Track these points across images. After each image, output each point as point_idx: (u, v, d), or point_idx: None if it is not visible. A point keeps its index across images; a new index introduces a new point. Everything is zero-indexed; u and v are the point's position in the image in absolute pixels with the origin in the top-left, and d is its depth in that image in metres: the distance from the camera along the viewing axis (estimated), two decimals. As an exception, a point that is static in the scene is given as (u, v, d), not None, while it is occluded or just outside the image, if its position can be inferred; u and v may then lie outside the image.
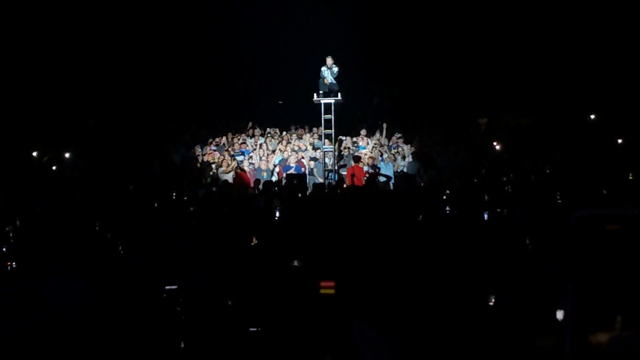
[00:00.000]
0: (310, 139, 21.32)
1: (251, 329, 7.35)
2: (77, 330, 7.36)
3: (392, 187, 17.94)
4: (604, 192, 12.66)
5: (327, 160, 19.43)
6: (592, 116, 21.21)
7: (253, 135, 21.74)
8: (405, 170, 18.69)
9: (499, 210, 11.87)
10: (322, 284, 7.18)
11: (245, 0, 24.88)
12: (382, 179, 17.83)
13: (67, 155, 18.32)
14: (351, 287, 7.39)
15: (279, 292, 7.87)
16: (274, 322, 7.41)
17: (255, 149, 20.39)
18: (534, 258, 8.77)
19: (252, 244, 9.68)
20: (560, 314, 6.79)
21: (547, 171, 16.43)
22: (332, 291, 7.15)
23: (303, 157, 19.62)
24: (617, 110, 20.45)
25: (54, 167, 17.50)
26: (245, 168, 18.63)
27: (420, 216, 11.23)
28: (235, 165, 18.89)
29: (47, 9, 22.19)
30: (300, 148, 20.48)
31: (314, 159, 19.76)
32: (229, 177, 18.15)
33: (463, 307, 7.53)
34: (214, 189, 15.50)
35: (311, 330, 7.05)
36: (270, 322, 7.41)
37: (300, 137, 21.66)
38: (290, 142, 20.94)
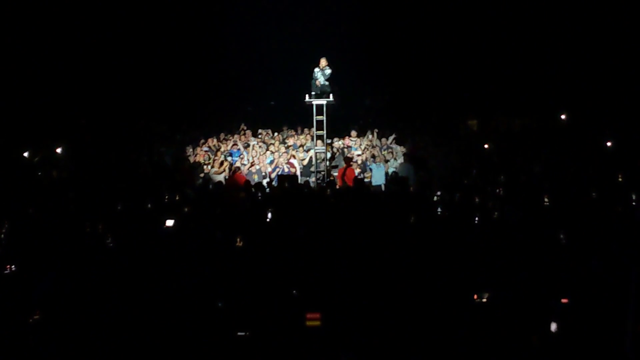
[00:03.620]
0: (302, 139, 21.32)
1: (239, 333, 7.34)
2: (66, 328, 7.38)
3: (383, 189, 18.02)
4: (593, 194, 12.72)
5: (318, 161, 19.48)
6: (582, 118, 21.25)
7: (241, 135, 21.76)
8: (396, 171, 18.70)
9: (490, 212, 11.89)
10: (309, 315, 7.13)
11: (238, 1, 24.85)
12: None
13: (58, 150, 18.23)
14: (338, 317, 7.38)
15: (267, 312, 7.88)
16: (263, 329, 7.40)
17: (245, 149, 20.44)
18: (526, 261, 8.81)
19: (239, 245, 9.66)
20: (554, 327, 6.85)
21: (537, 172, 16.48)
22: (318, 323, 7.10)
23: (294, 157, 19.65)
24: (607, 112, 20.51)
25: (45, 168, 17.40)
26: (244, 170, 18.66)
27: (412, 218, 11.23)
28: (228, 165, 18.89)
29: (39, 8, 22.13)
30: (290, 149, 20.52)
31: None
32: (221, 177, 18.13)
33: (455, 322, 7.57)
34: (207, 190, 15.48)
35: None
36: (259, 329, 7.39)
37: (292, 136, 21.72)
38: (282, 143, 20.94)
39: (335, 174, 18.79)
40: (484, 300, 7.57)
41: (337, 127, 21.62)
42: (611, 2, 21.46)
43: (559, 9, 22.55)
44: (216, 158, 19.41)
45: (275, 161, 19.22)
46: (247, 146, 20.72)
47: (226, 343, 7.18)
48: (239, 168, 18.63)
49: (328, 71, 19.05)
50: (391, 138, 21.22)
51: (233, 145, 20.77)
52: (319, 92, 19.05)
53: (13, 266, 8.65)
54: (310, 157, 19.66)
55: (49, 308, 7.65)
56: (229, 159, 19.69)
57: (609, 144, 18.23)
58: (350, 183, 17.38)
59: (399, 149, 20.40)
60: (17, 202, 12.79)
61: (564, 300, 7.39)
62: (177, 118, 24.33)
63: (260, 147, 20.56)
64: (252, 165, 19.06)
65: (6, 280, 8.47)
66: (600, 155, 17.47)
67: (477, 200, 12.82)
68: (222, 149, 20.52)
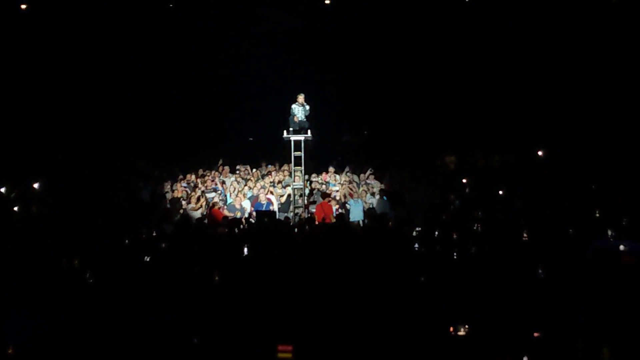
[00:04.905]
0: (280, 175, 21.34)
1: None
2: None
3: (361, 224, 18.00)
4: (570, 231, 12.77)
5: (296, 197, 19.49)
6: (559, 154, 21.38)
7: (218, 172, 21.78)
8: (374, 206, 18.70)
9: (468, 247, 11.89)
10: (280, 347, 7.07)
11: (215, 37, 24.94)
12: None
13: (35, 185, 18.09)
14: (312, 351, 7.32)
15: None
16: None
17: (222, 185, 20.45)
18: (503, 295, 8.83)
19: (216, 280, 9.62)
20: None
21: (515, 208, 16.52)
22: (289, 355, 7.05)
23: (272, 193, 19.63)
24: (583, 149, 20.68)
25: (22, 203, 17.25)
26: (220, 205, 18.60)
27: (389, 253, 11.22)
28: (204, 202, 18.84)
29: (16, 43, 22.12)
30: (271, 184, 20.51)
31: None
32: (198, 214, 18.05)
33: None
34: (185, 226, 15.42)
35: None
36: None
37: (269, 173, 21.76)
38: (260, 179, 20.94)
39: (314, 210, 18.78)
40: (460, 333, 7.57)
41: (315, 163, 21.68)
42: (588, 38, 21.75)
43: (536, 45, 22.81)
44: (193, 194, 19.34)
45: (255, 197, 19.20)
46: (223, 182, 20.74)
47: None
48: (216, 204, 18.57)
49: (307, 107, 19.21)
50: (368, 173, 21.28)
51: (212, 181, 20.73)
52: (297, 128, 19.17)
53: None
54: (289, 194, 19.68)
55: (26, 344, 7.56)
56: (212, 194, 19.63)
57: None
58: (328, 219, 17.39)
59: (377, 185, 20.44)
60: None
61: (535, 334, 7.41)
62: (156, 154, 24.27)
63: (238, 182, 20.55)
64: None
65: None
66: (578, 191, 17.57)
67: (455, 236, 12.83)
68: (199, 185, 20.48)
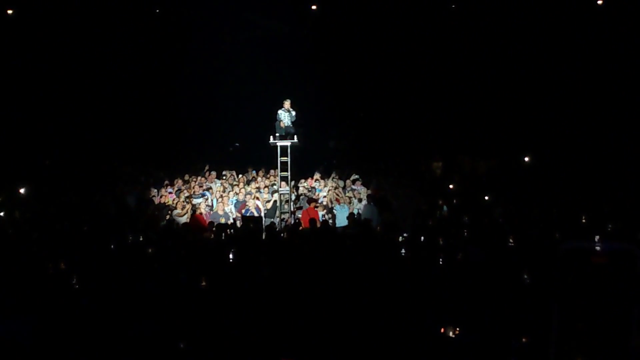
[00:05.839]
0: (267, 181, 21.29)
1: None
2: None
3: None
4: (557, 235, 12.80)
5: (283, 202, 19.48)
6: (546, 160, 21.44)
7: (204, 177, 21.70)
8: (360, 212, 18.68)
9: (454, 252, 11.89)
10: None
11: (202, 42, 24.94)
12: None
13: (21, 191, 17.99)
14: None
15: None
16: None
17: (208, 190, 20.39)
18: (490, 300, 8.85)
19: (203, 286, 9.58)
20: None
21: (501, 214, 16.55)
22: None
23: (258, 199, 19.58)
24: (569, 154, 20.75)
25: (7, 209, 17.13)
26: (202, 211, 18.51)
27: (375, 259, 11.22)
28: (190, 207, 18.76)
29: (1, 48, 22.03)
30: (257, 190, 20.45)
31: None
32: (184, 219, 17.98)
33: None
34: (171, 232, 15.38)
35: None
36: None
37: (254, 179, 21.70)
38: (246, 185, 20.87)
39: (300, 215, 18.75)
40: (451, 335, 7.59)
41: (302, 169, 21.67)
42: (573, 46, 21.84)
43: (522, 51, 22.88)
44: (179, 200, 19.27)
45: (242, 202, 19.14)
46: (209, 188, 20.68)
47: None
48: (197, 209, 18.48)
49: (294, 113, 19.23)
50: (352, 178, 21.28)
51: (199, 187, 20.66)
52: (283, 134, 19.16)
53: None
54: (275, 199, 19.63)
55: (12, 348, 7.52)
56: (200, 200, 19.54)
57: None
58: (314, 224, 17.34)
59: (363, 190, 20.42)
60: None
61: (523, 339, 7.43)
62: (142, 159, 24.17)
63: (225, 188, 20.49)
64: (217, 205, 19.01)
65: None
66: (564, 197, 17.63)
67: (441, 241, 12.82)
68: (185, 191, 20.40)
